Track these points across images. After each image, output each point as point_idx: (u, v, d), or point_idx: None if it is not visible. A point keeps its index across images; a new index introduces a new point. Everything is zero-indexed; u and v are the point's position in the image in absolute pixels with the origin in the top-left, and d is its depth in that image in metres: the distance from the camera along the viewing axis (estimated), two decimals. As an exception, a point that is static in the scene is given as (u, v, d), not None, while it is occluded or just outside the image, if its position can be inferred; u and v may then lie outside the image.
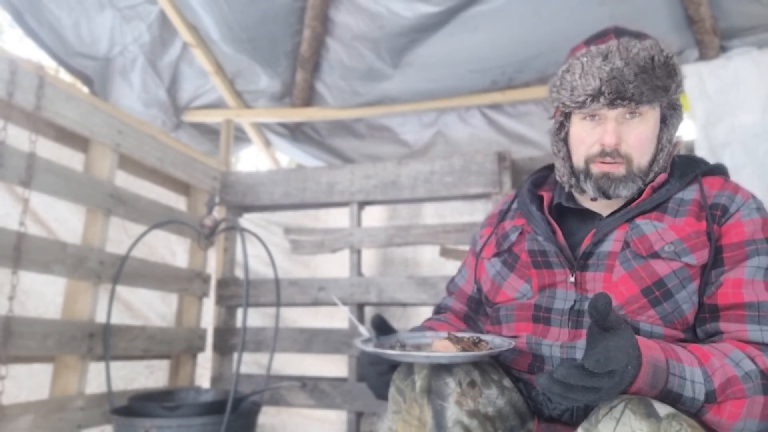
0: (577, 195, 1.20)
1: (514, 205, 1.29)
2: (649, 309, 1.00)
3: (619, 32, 1.13)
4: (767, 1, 2.28)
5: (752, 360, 0.90)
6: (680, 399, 0.85)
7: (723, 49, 2.46)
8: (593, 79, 1.04)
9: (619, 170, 1.07)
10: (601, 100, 1.04)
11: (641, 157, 1.08)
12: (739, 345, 0.93)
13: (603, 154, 1.07)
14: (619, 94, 1.03)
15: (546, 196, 1.22)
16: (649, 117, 1.07)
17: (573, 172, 1.15)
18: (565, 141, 1.17)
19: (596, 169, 1.09)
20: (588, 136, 1.10)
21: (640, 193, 1.10)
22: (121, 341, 2.10)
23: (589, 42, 1.15)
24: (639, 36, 1.11)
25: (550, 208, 1.20)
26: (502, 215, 1.30)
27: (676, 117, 1.12)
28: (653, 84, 1.03)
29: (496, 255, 1.23)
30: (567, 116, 1.15)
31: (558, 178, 1.20)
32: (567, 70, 1.10)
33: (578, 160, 1.13)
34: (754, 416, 0.87)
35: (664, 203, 1.08)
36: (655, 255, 1.01)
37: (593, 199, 1.15)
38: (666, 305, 0.99)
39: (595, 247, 1.07)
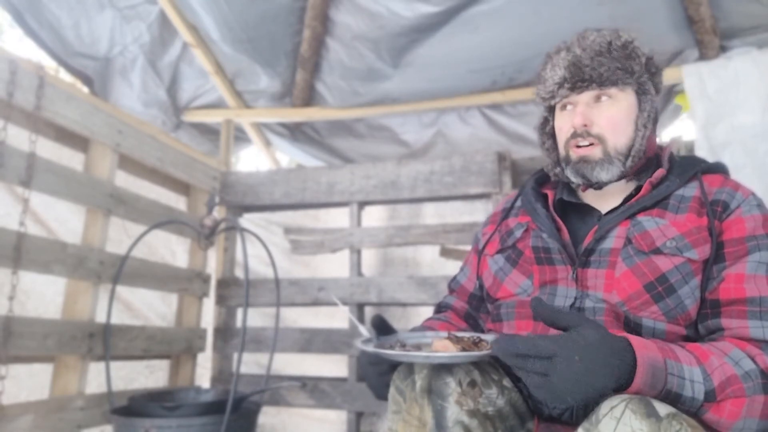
0: (577, 190, 1.23)
1: (518, 203, 1.31)
2: (652, 305, 1.00)
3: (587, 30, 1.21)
4: (767, 1, 2.28)
5: (752, 359, 0.90)
6: (680, 399, 0.85)
7: (723, 49, 2.46)
8: (558, 69, 1.15)
9: (595, 152, 1.12)
10: (566, 85, 1.14)
11: (615, 138, 1.12)
12: (738, 343, 0.93)
13: (575, 135, 1.13)
14: (579, 77, 1.12)
15: (550, 194, 1.24)
16: (620, 99, 1.13)
17: (559, 161, 1.21)
18: (551, 135, 1.25)
19: (573, 154, 1.15)
20: (565, 124, 1.17)
21: (638, 190, 1.12)
22: (121, 341, 2.10)
23: None
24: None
25: (554, 205, 1.21)
26: (506, 213, 1.32)
27: (649, 102, 1.16)
28: (611, 65, 1.11)
29: (500, 251, 1.24)
30: (551, 110, 1.24)
31: (546, 168, 1.26)
32: (543, 67, 1.21)
33: (560, 148, 1.19)
34: (754, 415, 0.87)
35: (665, 200, 1.09)
36: (657, 251, 1.02)
37: (584, 190, 1.19)
38: (669, 300, 1.00)
39: (597, 243, 1.08)
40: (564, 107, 1.18)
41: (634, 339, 0.86)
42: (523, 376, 0.82)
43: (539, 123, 1.28)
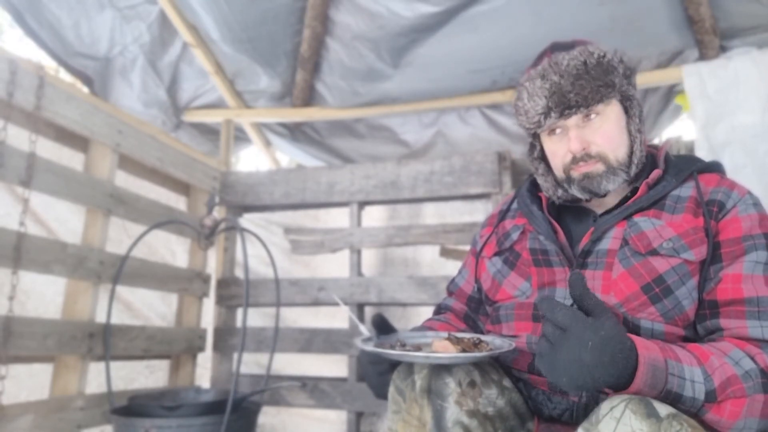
0: None
1: (514, 205, 1.31)
2: (650, 306, 1.00)
3: (554, 49, 1.18)
4: (767, 1, 2.28)
5: (752, 358, 0.90)
6: (680, 399, 0.85)
7: (723, 49, 2.46)
8: (539, 99, 1.12)
9: (597, 167, 1.10)
10: (552, 114, 1.11)
11: (616, 151, 1.11)
12: (738, 343, 0.93)
13: (575, 160, 1.12)
14: (565, 105, 1.09)
15: (544, 196, 1.23)
16: (609, 113, 1.11)
17: (558, 183, 1.19)
18: (541, 159, 1.24)
19: (576, 173, 1.13)
20: (559, 149, 1.15)
21: (634, 191, 1.12)
22: (121, 341, 2.10)
23: (532, 66, 1.20)
24: (573, 46, 1.15)
25: (549, 207, 1.21)
26: (502, 215, 1.32)
27: (635, 107, 1.15)
28: (593, 85, 1.08)
29: (497, 254, 1.24)
30: (535, 137, 1.23)
31: (545, 193, 1.23)
32: (518, 97, 1.18)
33: (558, 171, 1.17)
34: (755, 415, 0.87)
35: (661, 200, 1.09)
36: (654, 252, 1.02)
37: (588, 201, 1.17)
38: (666, 302, 1.00)
39: (593, 245, 1.08)
40: (552, 131, 1.16)
41: (636, 339, 0.86)
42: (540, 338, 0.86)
43: (528, 149, 1.26)
